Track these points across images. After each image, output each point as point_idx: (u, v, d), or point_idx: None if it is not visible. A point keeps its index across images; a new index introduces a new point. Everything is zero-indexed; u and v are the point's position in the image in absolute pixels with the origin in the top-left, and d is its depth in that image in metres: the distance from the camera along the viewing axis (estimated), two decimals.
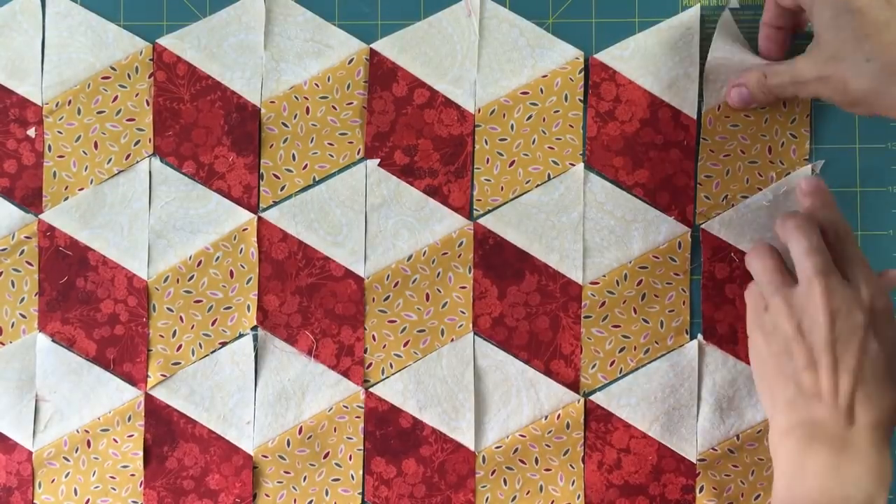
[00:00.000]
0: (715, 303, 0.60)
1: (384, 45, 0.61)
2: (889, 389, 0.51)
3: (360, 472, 0.60)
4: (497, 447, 0.60)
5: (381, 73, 0.61)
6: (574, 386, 0.60)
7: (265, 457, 0.60)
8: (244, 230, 0.61)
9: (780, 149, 0.60)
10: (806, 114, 0.60)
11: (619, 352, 0.60)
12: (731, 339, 0.60)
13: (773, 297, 0.53)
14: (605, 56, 0.60)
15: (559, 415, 0.60)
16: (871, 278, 0.52)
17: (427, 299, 0.60)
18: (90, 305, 0.61)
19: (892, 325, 0.52)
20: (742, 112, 0.59)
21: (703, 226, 0.60)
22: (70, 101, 0.61)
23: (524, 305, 0.60)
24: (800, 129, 0.60)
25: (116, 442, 0.61)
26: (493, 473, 0.60)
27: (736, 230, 0.59)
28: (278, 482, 0.60)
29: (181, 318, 0.61)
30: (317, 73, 0.61)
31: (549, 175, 0.60)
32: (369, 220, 0.61)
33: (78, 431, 0.61)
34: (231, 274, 0.61)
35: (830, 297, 0.51)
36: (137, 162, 0.61)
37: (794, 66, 0.54)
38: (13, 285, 0.61)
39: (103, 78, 0.61)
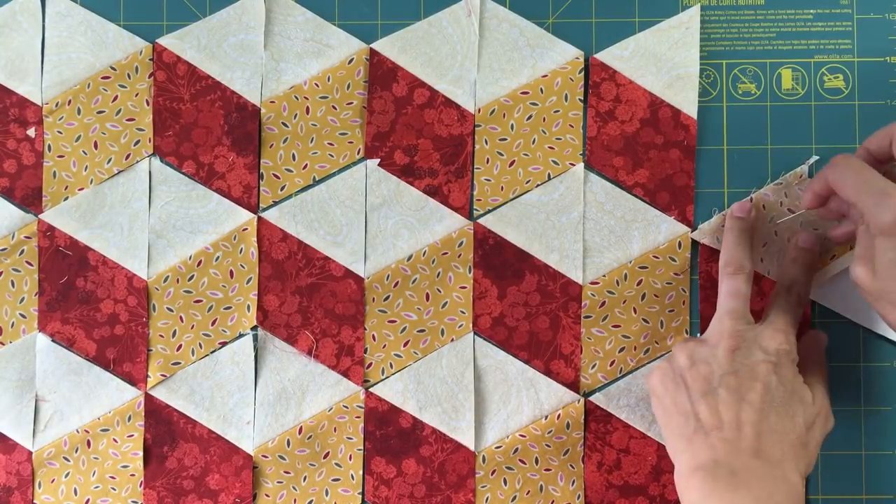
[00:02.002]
0: (712, 303, 0.60)
1: (384, 45, 0.61)
2: (790, 423, 0.50)
3: (360, 472, 0.60)
4: (497, 447, 0.60)
5: (381, 73, 0.61)
6: (574, 386, 0.60)
7: (265, 457, 0.60)
8: (244, 230, 0.61)
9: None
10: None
11: (619, 352, 0.60)
12: None
13: (678, 344, 0.54)
14: (605, 56, 0.60)
15: (559, 415, 0.60)
16: (787, 329, 0.52)
17: (427, 299, 0.60)
18: (90, 305, 0.61)
19: (791, 368, 0.52)
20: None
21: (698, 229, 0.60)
22: (70, 101, 0.61)
23: (524, 305, 0.60)
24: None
25: (116, 442, 0.61)
26: (493, 473, 0.60)
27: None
28: (278, 482, 0.60)
29: (181, 318, 0.61)
30: (317, 73, 0.61)
31: (549, 175, 0.60)
32: (369, 220, 0.61)
33: (78, 431, 0.61)
34: (231, 274, 0.61)
35: (735, 336, 0.52)
36: (137, 162, 0.61)
37: (853, 266, 0.51)
38: (13, 285, 0.61)
39: (103, 78, 0.61)
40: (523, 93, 0.60)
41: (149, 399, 0.61)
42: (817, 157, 0.60)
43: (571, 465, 0.60)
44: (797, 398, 0.51)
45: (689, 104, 0.60)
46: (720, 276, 0.55)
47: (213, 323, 0.61)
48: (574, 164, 0.60)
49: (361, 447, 0.60)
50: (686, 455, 0.51)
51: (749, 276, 0.54)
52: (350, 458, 0.60)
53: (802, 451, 0.50)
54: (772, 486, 0.48)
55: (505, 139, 0.60)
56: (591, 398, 0.60)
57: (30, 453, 0.61)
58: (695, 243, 0.60)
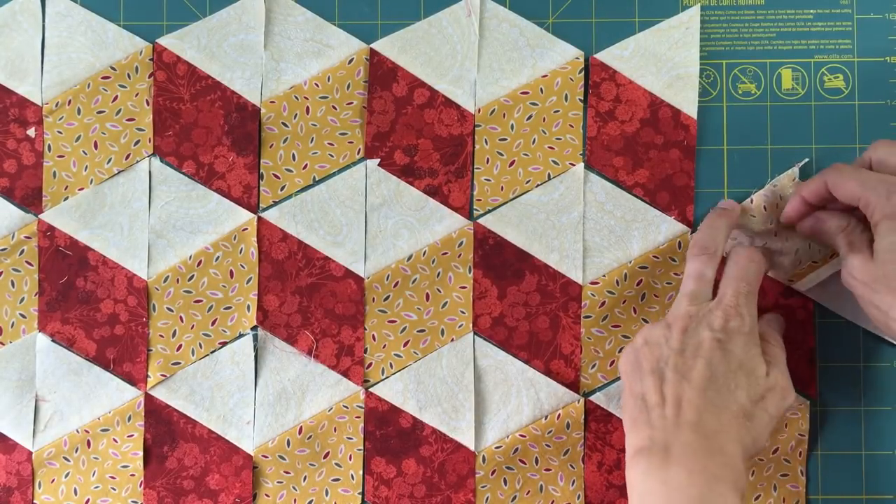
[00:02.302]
0: None
1: (384, 45, 0.61)
2: (730, 396, 0.51)
3: (360, 472, 0.60)
4: (497, 447, 0.60)
5: (381, 73, 0.61)
6: (574, 386, 0.60)
7: (265, 457, 0.60)
8: (244, 230, 0.61)
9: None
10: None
11: (619, 352, 0.60)
12: None
13: (643, 330, 0.55)
14: (605, 56, 0.60)
15: (559, 415, 0.60)
16: (738, 297, 0.52)
17: (427, 299, 0.60)
18: (90, 305, 0.61)
19: (741, 341, 0.52)
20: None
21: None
22: (70, 101, 0.61)
23: (524, 305, 0.60)
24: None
25: (116, 442, 0.61)
26: (493, 473, 0.60)
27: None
28: (278, 482, 0.60)
29: (181, 318, 0.61)
30: (317, 73, 0.61)
31: (549, 175, 0.60)
32: (369, 220, 0.61)
33: (78, 431, 0.61)
34: (231, 274, 0.61)
35: (688, 315, 0.52)
36: (137, 162, 0.61)
37: (845, 259, 0.53)
38: (13, 285, 0.61)
39: (103, 78, 0.61)
40: (523, 93, 0.60)
41: (149, 399, 0.61)
42: (807, 159, 0.60)
43: (571, 465, 0.60)
44: (744, 371, 0.51)
45: (689, 104, 0.60)
46: (687, 256, 0.55)
47: (213, 323, 0.61)
48: (574, 164, 0.60)
49: (361, 447, 0.60)
50: (630, 436, 0.52)
51: (714, 261, 0.54)
52: (350, 458, 0.60)
53: (746, 422, 0.50)
54: (705, 459, 0.49)
55: (505, 139, 0.60)
56: (591, 398, 0.60)
57: (30, 453, 0.61)
58: None
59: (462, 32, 0.60)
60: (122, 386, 0.61)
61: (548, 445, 0.60)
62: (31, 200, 0.61)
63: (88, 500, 0.61)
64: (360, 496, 0.60)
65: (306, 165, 0.61)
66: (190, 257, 0.61)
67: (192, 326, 0.61)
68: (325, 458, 0.60)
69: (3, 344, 0.61)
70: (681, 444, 0.49)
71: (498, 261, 0.60)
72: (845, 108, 0.60)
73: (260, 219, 0.61)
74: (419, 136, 0.61)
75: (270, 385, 0.60)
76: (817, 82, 0.60)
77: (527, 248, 0.60)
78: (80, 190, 0.61)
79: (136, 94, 0.61)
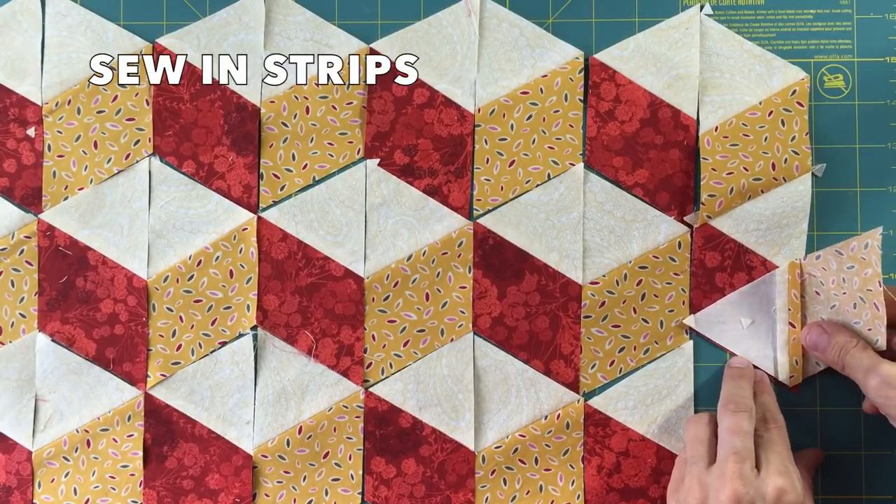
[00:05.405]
0: (704, 291, 0.60)
1: (384, 45, 0.61)
2: None
3: (360, 472, 0.60)
4: (497, 447, 0.60)
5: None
6: (574, 386, 0.60)
7: (265, 457, 0.60)
8: (244, 230, 0.61)
9: (783, 165, 0.59)
10: (805, 132, 0.59)
11: (619, 352, 0.60)
12: None
13: (690, 469, 0.53)
14: (605, 56, 0.60)
15: (559, 415, 0.60)
16: (785, 468, 0.52)
17: (427, 299, 0.60)
18: (90, 305, 0.61)
19: None
20: (741, 132, 0.59)
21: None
22: (70, 101, 0.61)
23: (524, 305, 0.60)
24: (800, 146, 0.59)
25: (116, 442, 0.61)
26: (492, 473, 0.60)
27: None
28: (278, 482, 0.60)
29: (181, 317, 0.61)
30: (317, 73, 0.61)
31: (549, 175, 0.60)
32: (369, 220, 0.61)
33: (77, 431, 0.61)
34: (231, 274, 0.61)
35: (740, 483, 0.51)
36: (137, 162, 0.61)
37: (877, 365, 0.53)
38: (13, 285, 0.61)
39: None
40: (523, 93, 0.60)
41: (148, 399, 0.61)
42: (824, 164, 0.59)
43: (571, 465, 0.60)
44: None
45: (689, 104, 0.60)
46: (720, 414, 0.55)
47: (213, 323, 0.61)
48: (574, 164, 0.60)
49: (361, 447, 0.60)
50: None
51: (752, 415, 0.54)
52: (350, 458, 0.60)
53: None
54: None
55: (505, 139, 0.60)
56: (590, 402, 0.60)
57: (29, 453, 0.61)
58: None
59: (462, 32, 0.60)
60: (121, 386, 0.61)
61: (547, 445, 0.60)
62: (30, 200, 0.61)
63: (88, 500, 0.61)
64: (360, 496, 0.60)
65: (306, 165, 0.61)
66: (190, 257, 0.61)
67: (192, 326, 0.61)
68: (324, 457, 0.60)
69: (3, 344, 0.61)
70: None
71: (498, 261, 0.60)
72: (845, 108, 0.60)
73: (260, 219, 0.61)
74: (419, 136, 0.61)
75: (270, 385, 0.60)
76: (817, 82, 0.60)
77: (527, 248, 0.60)
78: (80, 190, 0.61)
79: (136, 94, 0.61)
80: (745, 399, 0.55)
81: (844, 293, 0.56)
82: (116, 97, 0.61)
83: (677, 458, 0.57)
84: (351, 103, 0.61)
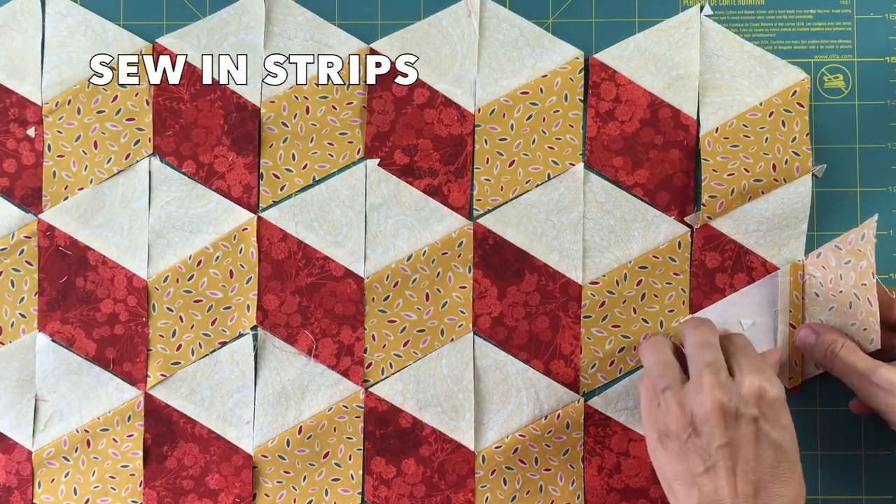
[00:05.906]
0: (704, 291, 0.60)
1: (384, 45, 0.61)
2: (791, 481, 0.50)
3: (360, 472, 0.60)
4: (497, 447, 0.60)
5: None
6: (574, 386, 0.60)
7: (265, 457, 0.60)
8: (244, 230, 0.61)
9: (783, 166, 0.59)
10: (806, 133, 0.59)
11: (619, 352, 0.60)
12: None
13: (663, 393, 0.52)
14: (605, 56, 0.60)
15: (559, 415, 0.60)
16: (759, 367, 0.51)
17: (427, 299, 0.60)
18: (90, 305, 0.61)
19: (785, 411, 0.51)
20: (742, 133, 0.59)
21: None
22: (70, 101, 0.61)
23: (524, 305, 0.60)
24: (801, 147, 0.59)
25: (116, 442, 0.61)
26: (492, 473, 0.60)
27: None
28: (278, 482, 0.60)
29: (181, 317, 0.61)
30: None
31: (549, 175, 0.60)
32: (369, 220, 0.61)
33: (77, 431, 0.61)
34: (231, 274, 0.61)
35: (720, 392, 0.50)
36: (137, 162, 0.61)
37: (871, 366, 0.53)
38: (13, 285, 0.61)
39: None
40: (523, 93, 0.60)
41: (148, 399, 0.61)
42: (825, 165, 0.59)
43: (571, 465, 0.60)
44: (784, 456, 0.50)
45: (689, 104, 0.60)
46: (682, 333, 0.54)
47: (213, 323, 0.61)
48: (574, 164, 0.60)
49: (361, 447, 0.60)
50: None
51: (714, 327, 0.53)
52: (350, 458, 0.60)
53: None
54: None
55: (505, 139, 0.60)
56: (590, 402, 0.60)
57: (29, 453, 0.61)
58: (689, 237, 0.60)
59: (462, 32, 0.60)
60: (121, 386, 0.61)
61: (547, 445, 0.60)
62: (30, 200, 0.61)
63: (88, 500, 0.61)
64: (360, 496, 0.60)
65: (306, 165, 0.61)
66: (190, 257, 0.61)
67: (192, 326, 0.61)
68: (324, 457, 0.60)
69: (3, 344, 0.61)
70: None
71: (498, 261, 0.60)
72: (845, 108, 0.60)
73: (260, 219, 0.61)
74: (419, 136, 0.61)
75: (270, 385, 0.60)
76: (817, 82, 0.60)
77: (527, 248, 0.60)
78: (79, 190, 0.61)
79: (136, 94, 0.61)
80: (704, 318, 0.54)
81: (841, 291, 0.56)
82: (116, 97, 0.61)
83: (640, 385, 0.54)
84: (351, 103, 0.61)
